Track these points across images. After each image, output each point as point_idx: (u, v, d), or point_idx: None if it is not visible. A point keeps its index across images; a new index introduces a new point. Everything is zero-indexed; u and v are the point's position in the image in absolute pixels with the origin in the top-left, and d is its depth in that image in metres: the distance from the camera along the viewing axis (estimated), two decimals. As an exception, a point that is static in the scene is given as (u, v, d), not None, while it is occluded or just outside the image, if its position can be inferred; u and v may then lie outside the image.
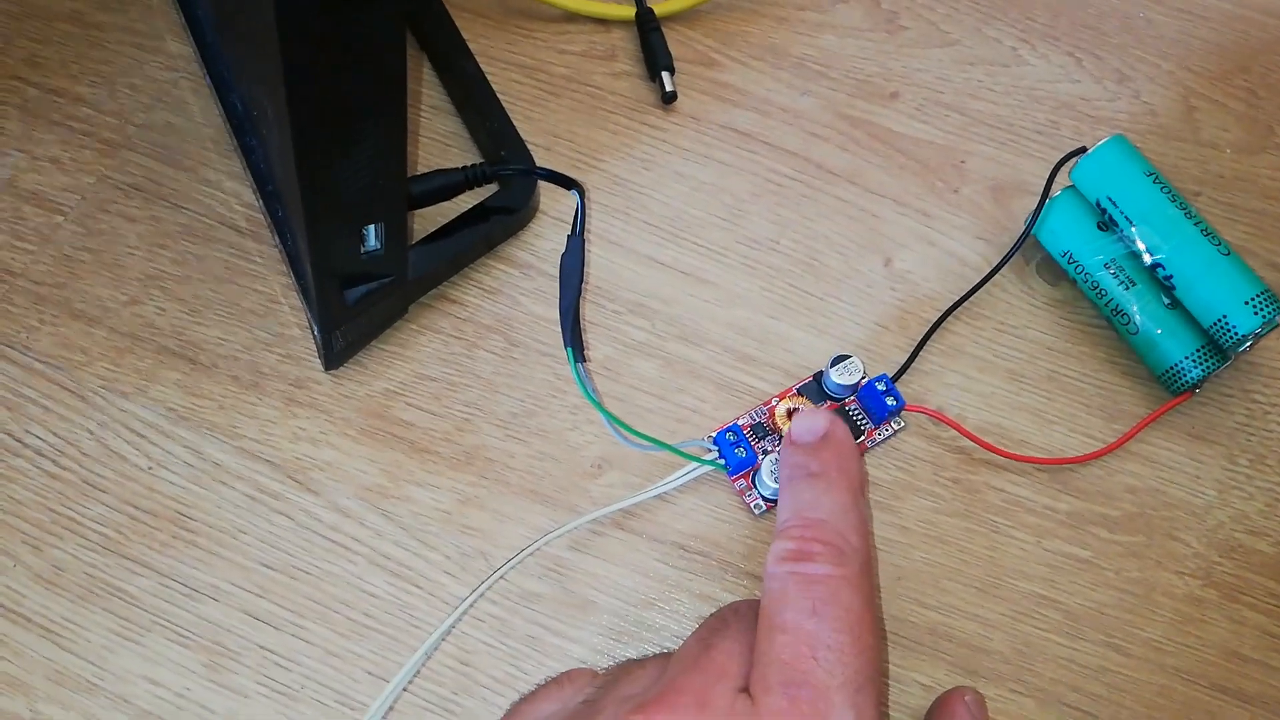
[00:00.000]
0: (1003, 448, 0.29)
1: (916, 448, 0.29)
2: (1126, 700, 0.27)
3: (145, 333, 0.31)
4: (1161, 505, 0.29)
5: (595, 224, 0.32)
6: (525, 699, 0.23)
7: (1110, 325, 0.31)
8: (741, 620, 0.22)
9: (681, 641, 0.23)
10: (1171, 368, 0.29)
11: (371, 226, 0.27)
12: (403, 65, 0.21)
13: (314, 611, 0.27)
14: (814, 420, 0.25)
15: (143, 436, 0.29)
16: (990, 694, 0.26)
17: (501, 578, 0.27)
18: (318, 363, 0.30)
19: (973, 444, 0.29)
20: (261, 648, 0.27)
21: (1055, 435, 0.30)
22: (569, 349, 0.27)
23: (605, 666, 0.24)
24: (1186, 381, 0.29)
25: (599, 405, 0.26)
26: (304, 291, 0.30)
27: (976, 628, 0.27)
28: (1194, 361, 0.29)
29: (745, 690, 0.20)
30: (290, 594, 0.27)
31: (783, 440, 0.26)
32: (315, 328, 0.29)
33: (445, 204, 0.31)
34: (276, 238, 0.31)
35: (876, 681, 0.20)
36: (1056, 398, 0.30)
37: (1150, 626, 0.27)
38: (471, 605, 0.27)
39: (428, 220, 0.32)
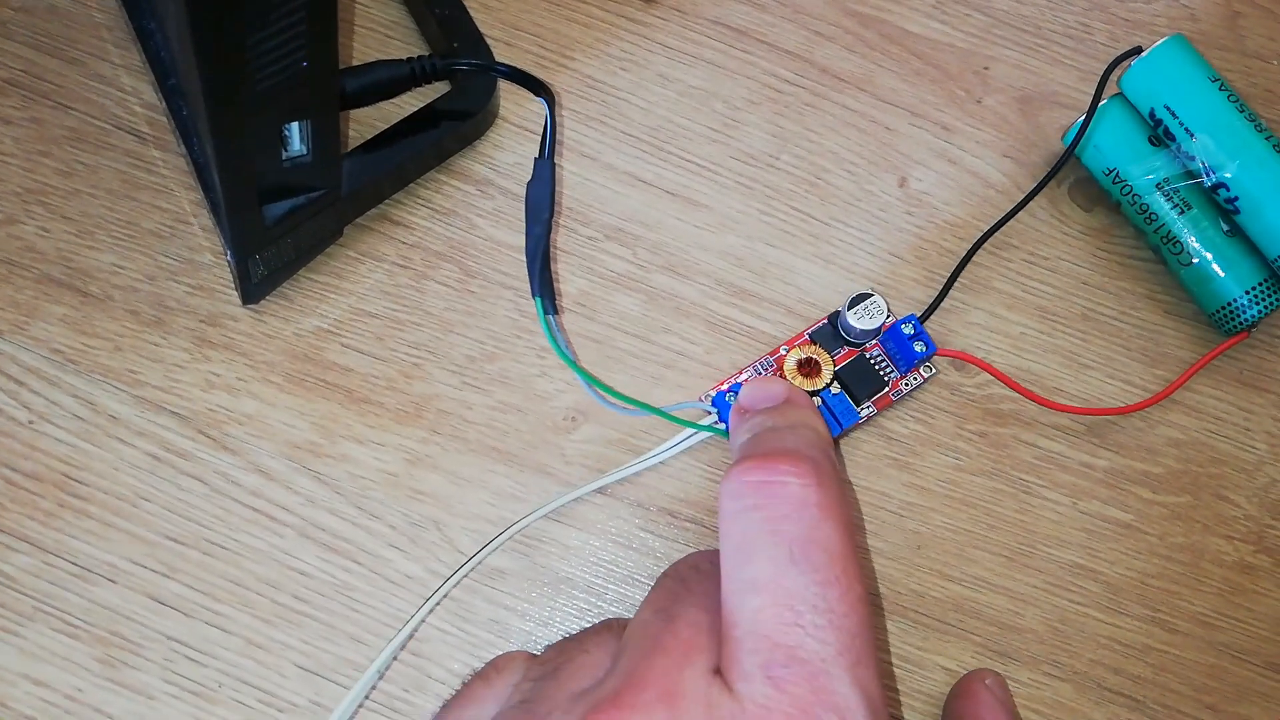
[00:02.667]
0: (1040, 395, 0.25)
1: (936, 397, 0.26)
2: (1173, 682, 0.24)
3: (24, 258, 0.25)
4: (1209, 461, 0.25)
5: (566, 135, 0.27)
6: (452, 701, 0.19)
7: (1155, 256, 0.27)
8: (705, 580, 0.18)
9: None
10: (1226, 305, 0.25)
11: (295, 125, 0.22)
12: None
13: (232, 595, 0.23)
14: (770, 385, 0.21)
15: (21, 384, 0.24)
16: (1022, 678, 0.23)
17: (462, 562, 0.23)
18: (235, 296, 0.25)
19: (1002, 392, 0.25)
20: (169, 639, 0.22)
21: (1091, 382, 0.26)
22: (538, 299, 0.22)
23: (543, 648, 0.19)
24: (1242, 321, 0.25)
25: (576, 366, 0.22)
26: (215, 208, 0.25)
27: (1006, 602, 0.24)
28: (1253, 298, 0.25)
29: (719, 671, 0.16)
30: (203, 573, 0.23)
31: (731, 411, 0.22)
32: (229, 252, 0.24)
33: (387, 106, 0.26)
34: (183, 144, 0.26)
35: (874, 644, 0.17)
36: (1092, 339, 0.26)
37: (1198, 599, 0.24)
38: (431, 610, 0.23)
39: (365, 125, 0.27)
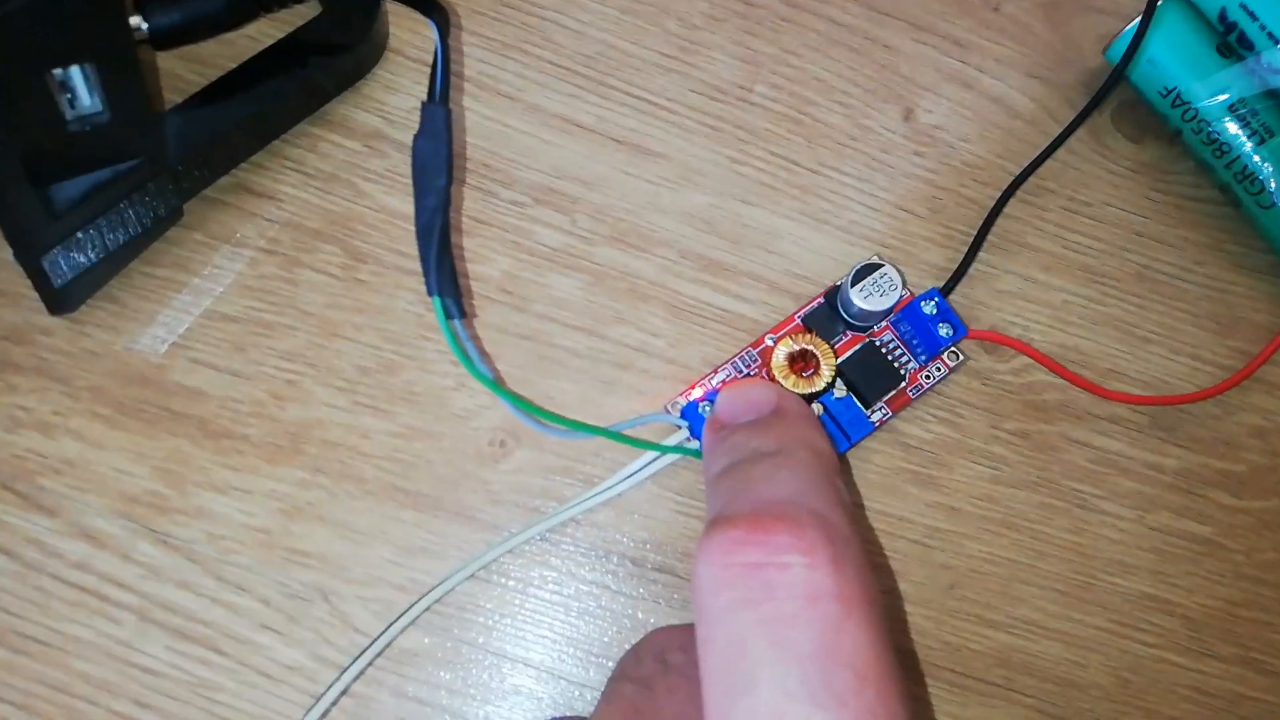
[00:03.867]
0: (1091, 382, 0.20)
1: (964, 389, 0.20)
2: (1272, 740, 0.19)
3: None
4: (1304, 454, 0.21)
5: (476, 69, 0.21)
6: None
7: (1225, 197, 0.22)
8: (677, 681, 0.14)
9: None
10: (1317, 257, 0.20)
11: (75, 70, 0.15)
12: None
13: (54, 705, 0.17)
14: (754, 391, 0.16)
15: None
16: (1088, 747, 0.18)
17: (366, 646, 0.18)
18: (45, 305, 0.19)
19: (1045, 379, 0.20)
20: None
21: (1153, 359, 0.21)
22: (436, 298, 0.16)
23: None
24: (1337, 276, 0.20)
25: (494, 384, 0.16)
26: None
27: (1063, 650, 0.19)
28: (1355, 247, 0.20)
29: None
30: (14, 679, 0.17)
31: (705, 425, 0.17)
32: (11, 250, 0.18)
33: (238, 41, 0.20)
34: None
35: None
36: (1151, 305, 0.21)
37: (1303, 633, 0.20)
38: (324, 714, 0.17)
39: (211, 67, 0.20)
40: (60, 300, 0.19)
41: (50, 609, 0.18)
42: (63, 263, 0.18)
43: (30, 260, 0.17)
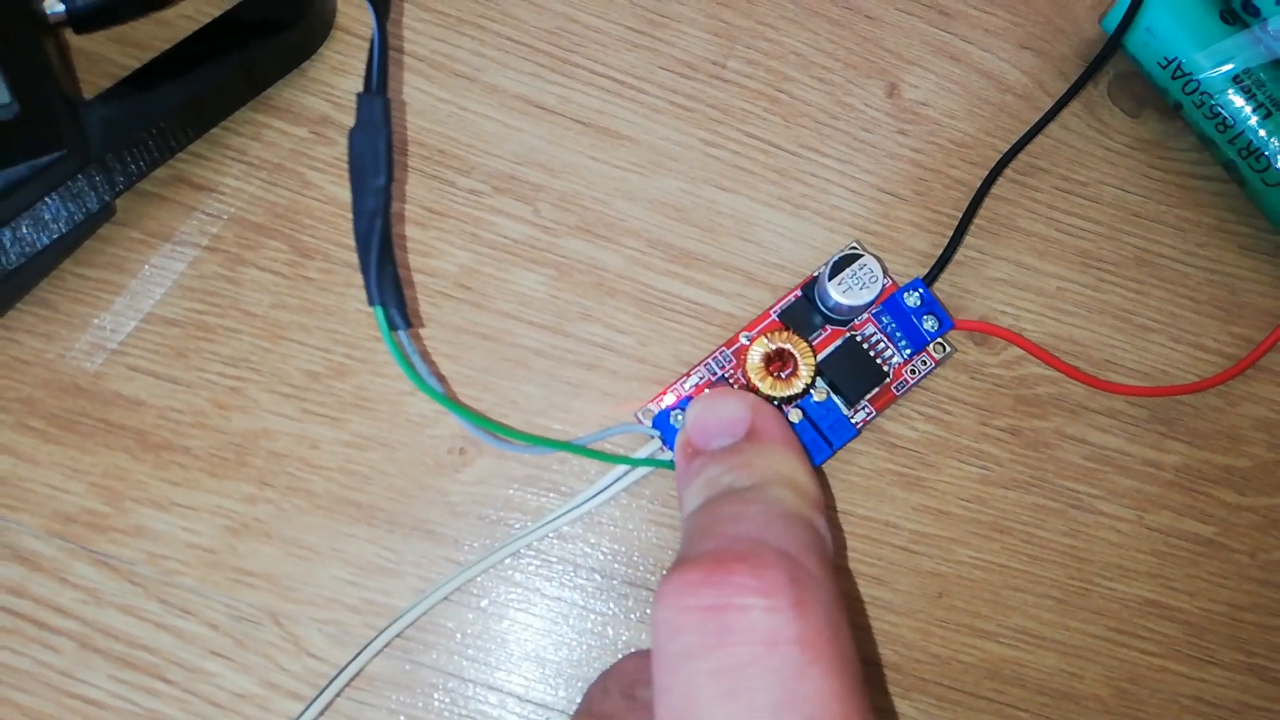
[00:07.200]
0: (1086, 373, 0.19)
1: (952, 383, 0.19)
2: (1277, 750, 0.18)
3: None
4: (1312, 448, 0.20)
5: (429, 46, 0.20)
6: None
7: (1229, 174, 0.20)
8: (644, 713, 0.13)
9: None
10: (1325, 237, 0.19)
11: None
12: None
13: (-14, 743, 0.16)
14: (726, 406, 0.14)
15: None
16: (1084, 762, 0.18)
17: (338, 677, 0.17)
18: (-35, 308, 0.18)
19: (1038, 372, 0.19)
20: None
21: (1152, 349, 0.20)
22: (378, 309, 0.15)
23: None
24: (1347, 257, 0.19)
25: (445, 399, 0.15)
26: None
27: (1058, 661, 0.18)
28: (1367, 227, 0.19)
29: None
30: (-58, 717, 0.16)
31: (676, 443, 0.16)
32: (-77, 253, 0.16)
33: (175, 21, 0.18)
34: None
35: None
36: (1150, 290, 0.20)
37: (1309, 637, 0.19)
38: None
39: (146, 49, 0.19)
40: (-17, 306, 0.18)
41: (-18, 637, 0.17)
42: (-18, 266, 0.17)
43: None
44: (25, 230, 0.17)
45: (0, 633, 0.17)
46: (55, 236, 0.17)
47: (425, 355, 0.18)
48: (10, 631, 0.17)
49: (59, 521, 0.17)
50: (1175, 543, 0.19)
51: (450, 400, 0.15)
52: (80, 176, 0.17)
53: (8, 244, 0.17)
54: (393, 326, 0.14)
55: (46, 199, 0.17)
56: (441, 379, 0.18)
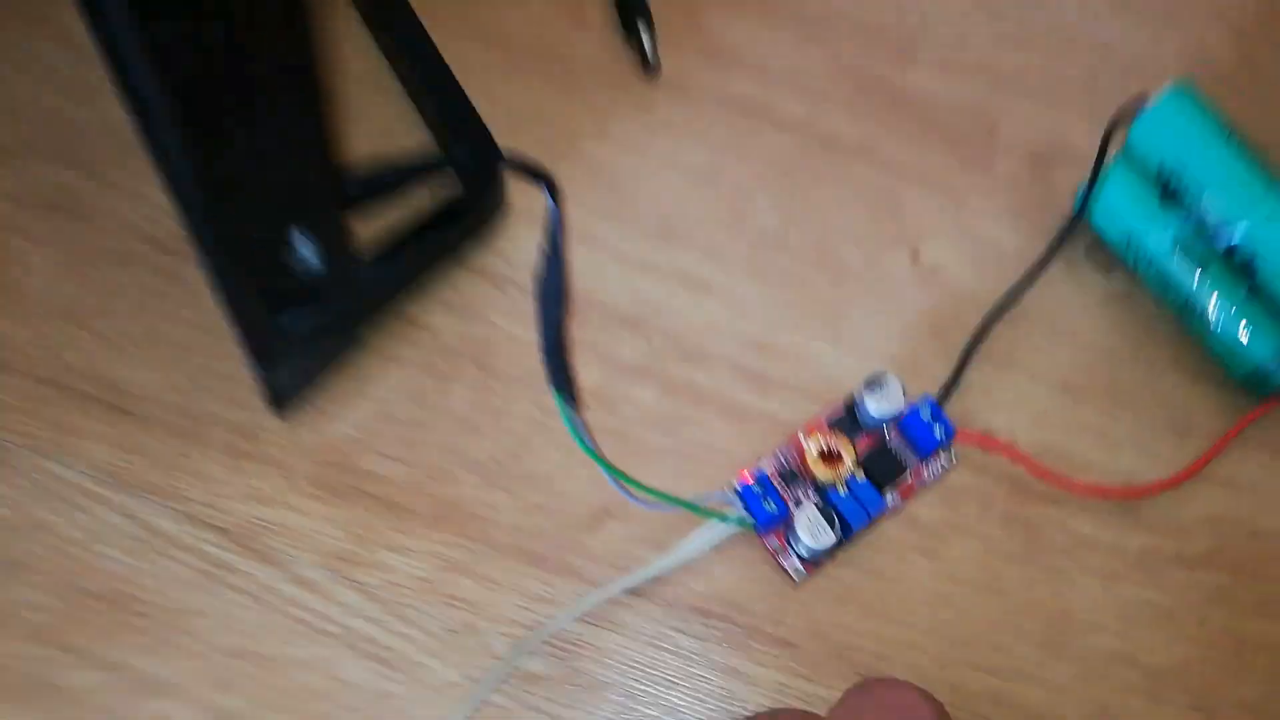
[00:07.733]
0: (1066, 476, 0.25)
1: (960, 480, 0.26)
2: (1214, 771, 0.23)
3: (63, 378, 0.26)
4: (1246, 538, 0.25)
5: (574, 221, 0.28)
6: None
7: (1181, 320, 0.26)
8: None
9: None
10: (1255, 370, 0.25)
11: (300, 231, 0.22)
12: (305, 18, 0.17)
13: (282, 706, 0.24)
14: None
15: (73, 504, 0.25)
16: (1059, 770, 0.23)
17: (498, 665, 0.24)
18: (265, 406, 0.26)
19: (1027, 474, 0.25)
20: (224, 754, 0.23)
21: (1123, 459, 0.26)
22: (557, 393, 0.22)
23: None
24: (1272, 387, 0.25)
25: (600, 460, 0.22)
26: (232, 322, 0.26)
27: (1043, 694, 0.24)
28: (1282, 365, 0.25)
29: None
30: (257, 687, 0.24)
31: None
32: (253, 365, 0.25)
33: (393, 208, 0.26)
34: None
35: None
36: (1120, 413, 0.26)
37: (1242, 685, 0.24)
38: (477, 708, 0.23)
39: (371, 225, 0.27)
40: (282, 403, 0.26)
41: (277, 634, 0.24)
42: (287, 374, 0.25)
43: (265, 371, 0.24)
44: (313, 350, 0.25)
45: (288, 633, 0.25)
46: (329, 357, 0.26)
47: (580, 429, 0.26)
48: (294, 633, 0.24)
49: (325, 558, 0.25)
50: (1136, 609, 0.24)
51: (599, 456, 0.22)
52: (346, 314, 0.25)
53: (303, 363, 0.25)
54: (568, 403, 0.22)
55: (325, 328, 0.25)
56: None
